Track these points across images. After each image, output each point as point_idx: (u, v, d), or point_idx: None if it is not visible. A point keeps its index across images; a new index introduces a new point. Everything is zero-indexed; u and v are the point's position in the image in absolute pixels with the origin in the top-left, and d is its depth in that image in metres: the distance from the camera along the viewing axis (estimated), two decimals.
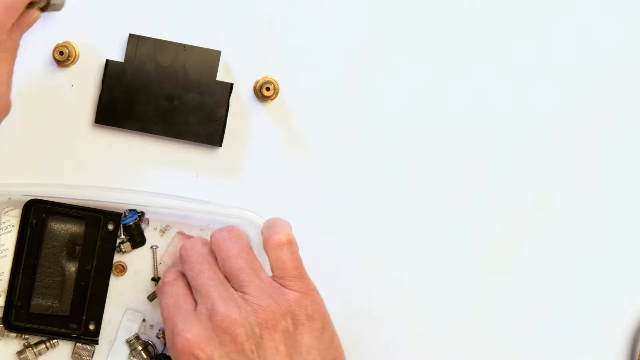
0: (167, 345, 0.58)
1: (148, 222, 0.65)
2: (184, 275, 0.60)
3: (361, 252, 0.66)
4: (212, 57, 0.65)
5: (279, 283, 0.58)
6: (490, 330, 0.67)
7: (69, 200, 0.63)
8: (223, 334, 0.55)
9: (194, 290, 0.58)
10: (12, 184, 0.64)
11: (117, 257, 0.64)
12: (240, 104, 0.65)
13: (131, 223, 0.64)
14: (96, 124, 0.64)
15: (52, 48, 0.64)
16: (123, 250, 0.64)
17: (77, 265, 0.63)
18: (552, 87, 0.67)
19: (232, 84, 0.64)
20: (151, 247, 0.65)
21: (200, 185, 0.65)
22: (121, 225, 0.64)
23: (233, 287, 0.58)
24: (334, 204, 0.66)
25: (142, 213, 0.64)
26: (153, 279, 0.65)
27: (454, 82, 0.66)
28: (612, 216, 0.67)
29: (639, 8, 0.67)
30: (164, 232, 0.65)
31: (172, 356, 0.57)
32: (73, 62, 0.64)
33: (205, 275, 0.58)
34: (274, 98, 0.65)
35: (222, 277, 0.58)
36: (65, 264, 0.63)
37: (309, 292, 0.58)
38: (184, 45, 0.64)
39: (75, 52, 0.64)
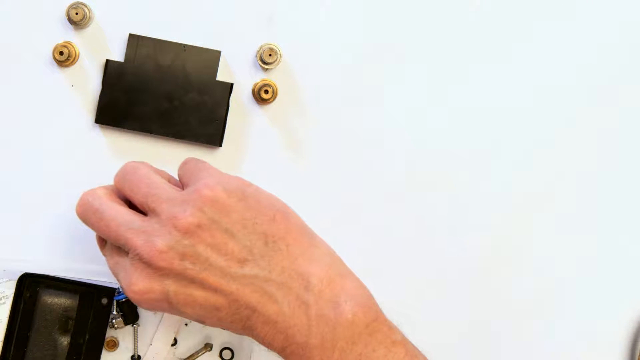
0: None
1: None
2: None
3: (360, 252, 0.66)
4: (212, 57, 0.64)
5: (186, 186, 0.55)
6: (490, 330, 0.67)
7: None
8: (159, 270, 0.52)
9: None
10: (8, 258, 0.64)
11: (109, 333, 0.64)
12: (240, 104, 0.65)
13: (124, 299, 0.64)
14: (96, 124, 0.64)
15: (52, 48, 0.64)
16: (116, 325, 0.64)
17: (69, 338, 0.63)
18: (553, 87, 0.67)
19: (232, 84, 0.64)
20: (132, 325, 0.64)
21: None
22: (114, 301, 0.63)
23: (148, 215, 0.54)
24: (334, 205, 0.66)
25: None
26: (132, 357, 0.64)
27: (454, 83, 0.66)
28: (612, 216, 0.67)
29: (638, 8, 0.67)
30: None
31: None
32: (73, 62, 0.64)
33: (113, 224, 0.54)
34: (273, 101, 0.65)
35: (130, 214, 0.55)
36: (58, 337, 0.63)
37: (213, 174, 0.55)
38: (184, 45, 0.64)
39: (75, 52, 0.64)
